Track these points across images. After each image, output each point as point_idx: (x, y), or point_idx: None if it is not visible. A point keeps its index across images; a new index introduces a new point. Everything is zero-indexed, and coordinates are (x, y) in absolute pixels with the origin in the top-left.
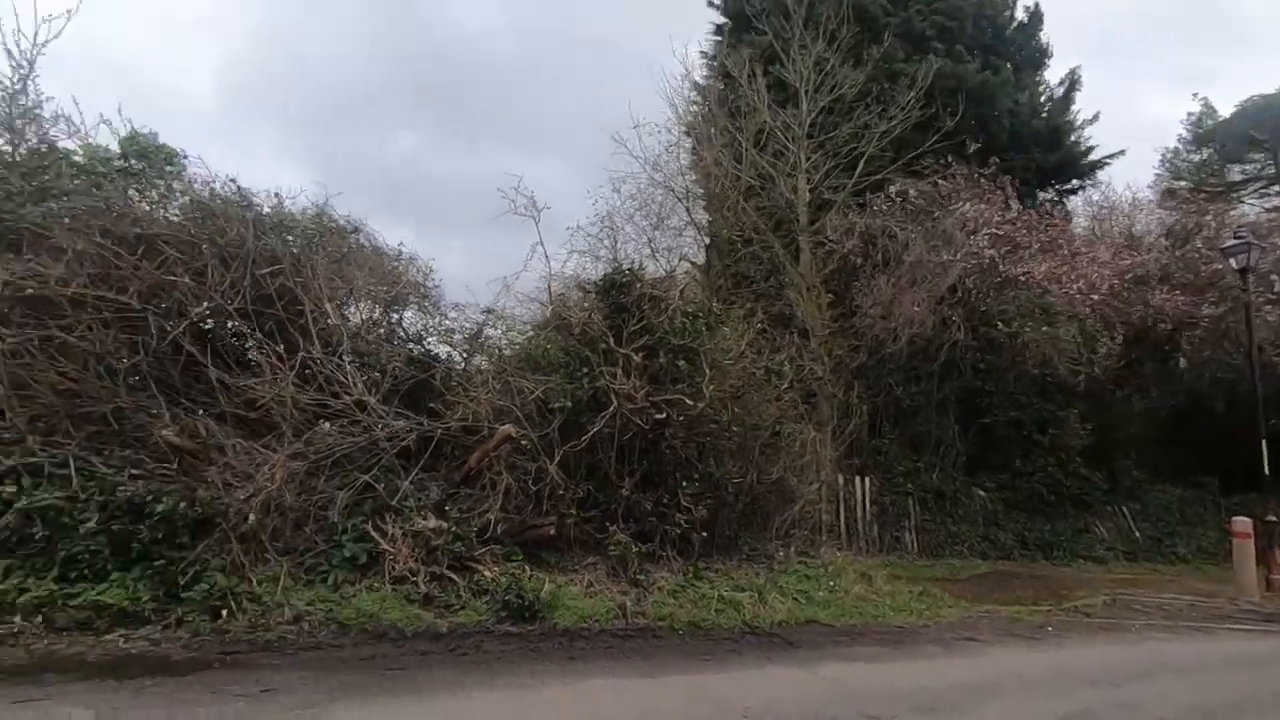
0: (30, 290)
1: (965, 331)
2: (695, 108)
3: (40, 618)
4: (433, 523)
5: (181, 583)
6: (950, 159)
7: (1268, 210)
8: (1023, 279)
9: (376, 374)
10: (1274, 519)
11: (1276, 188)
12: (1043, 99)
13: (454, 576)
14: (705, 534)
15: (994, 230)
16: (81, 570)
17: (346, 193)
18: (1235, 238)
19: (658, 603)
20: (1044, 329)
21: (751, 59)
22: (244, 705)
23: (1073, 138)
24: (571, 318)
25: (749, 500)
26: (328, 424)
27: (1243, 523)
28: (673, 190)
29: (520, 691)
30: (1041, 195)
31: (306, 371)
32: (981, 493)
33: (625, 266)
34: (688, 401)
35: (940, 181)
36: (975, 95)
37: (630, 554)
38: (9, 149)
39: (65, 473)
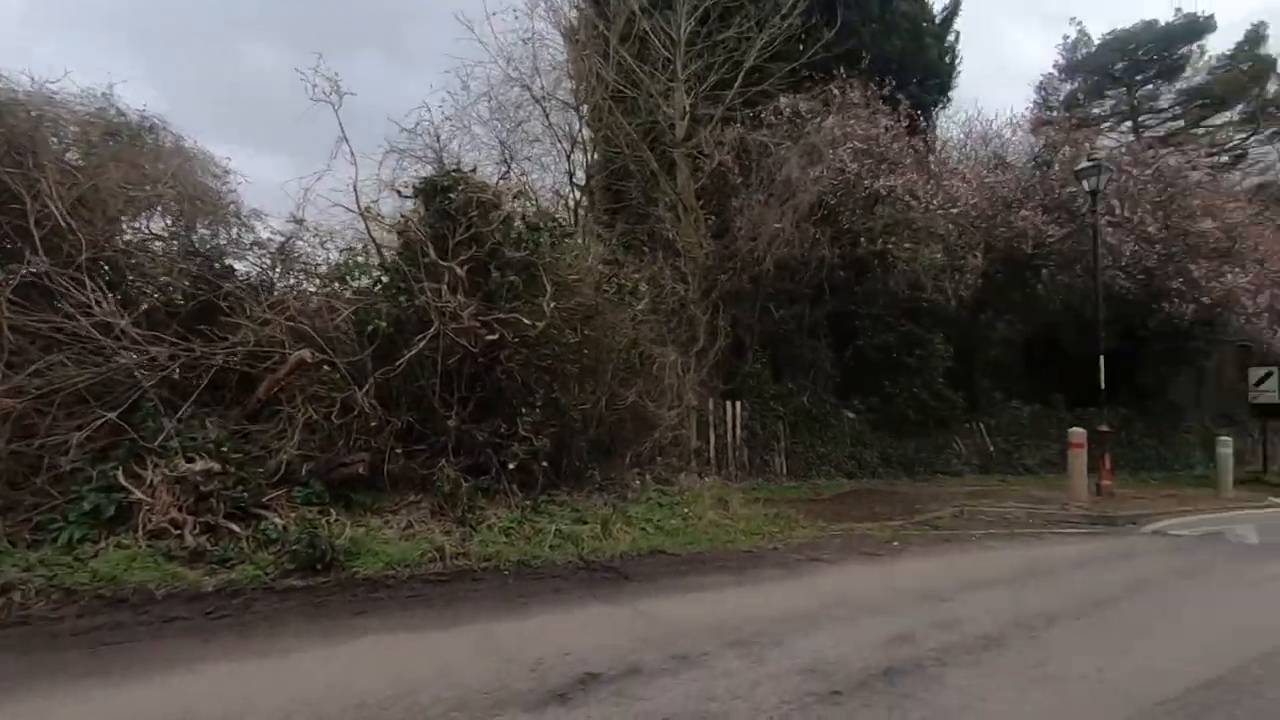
0: None
1: (831, 250)
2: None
3: None
4: (200, 465)
5: None
6: (835, 73)
7: (1120, 145)
8: (884, 193)
9: (144, 292)
10: (1105, 429)
11: (1128, 124)
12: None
13: (234, 526)
14: (548, 464)
15: (858, 144)
16: None
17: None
18: (1089, 160)
19: (485, 541)
20: (907, 246)
21: None
22: None
23: (946, 59)
24: (389, 227)
25: (601, 428)
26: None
27: (1077, 433)
28: (529, 90)
29: (261, 660)
30: (915, 111)
31: (37, 289)
32: (850, 414)
33: (450, 168)
34: (525, 321)
35: (833, 94)
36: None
37: (459, 490)
38: None
39: None
